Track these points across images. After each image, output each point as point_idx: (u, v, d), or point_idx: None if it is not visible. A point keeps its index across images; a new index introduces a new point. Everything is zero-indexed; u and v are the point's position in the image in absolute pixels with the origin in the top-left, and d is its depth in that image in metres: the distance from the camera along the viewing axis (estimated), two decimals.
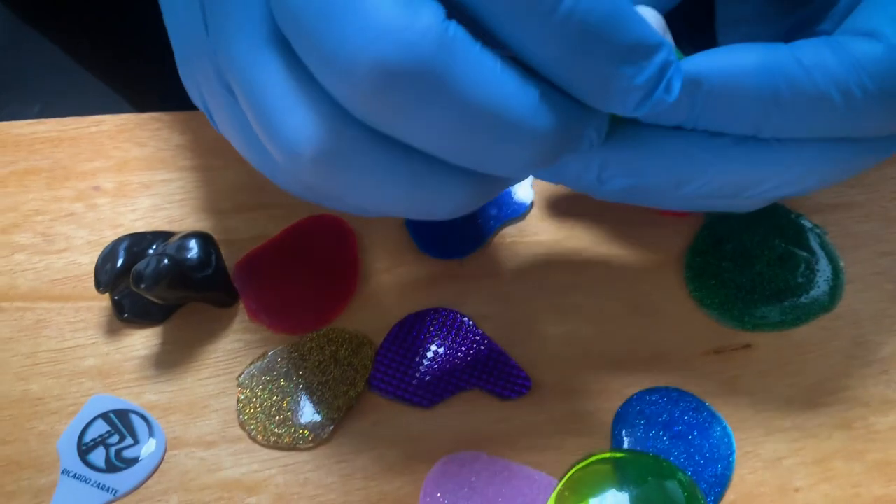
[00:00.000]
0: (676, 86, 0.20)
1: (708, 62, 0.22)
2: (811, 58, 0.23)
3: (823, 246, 0.33)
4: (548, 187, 0.34)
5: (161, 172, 0.34)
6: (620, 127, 0.24)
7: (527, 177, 0.25)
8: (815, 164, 0.25)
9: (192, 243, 0.29)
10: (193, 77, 0.24)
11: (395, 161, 0.20)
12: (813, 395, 0.30)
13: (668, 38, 0.24)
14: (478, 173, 0.21)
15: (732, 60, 0.22)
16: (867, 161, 0.26)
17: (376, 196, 0.21)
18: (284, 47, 0.19)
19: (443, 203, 0.22)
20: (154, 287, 0.28)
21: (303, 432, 0.27)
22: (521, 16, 0.18)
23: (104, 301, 0.30)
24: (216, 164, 0.34)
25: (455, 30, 0.18)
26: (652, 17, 0.24)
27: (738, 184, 0.25)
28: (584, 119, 0.21)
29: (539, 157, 0.20)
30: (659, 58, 0.20)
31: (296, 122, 0.20)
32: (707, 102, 0.23)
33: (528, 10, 0.18)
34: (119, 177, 0.34)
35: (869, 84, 0.22)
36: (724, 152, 0.24)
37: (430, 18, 0.18)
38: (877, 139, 0.25)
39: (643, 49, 0.19)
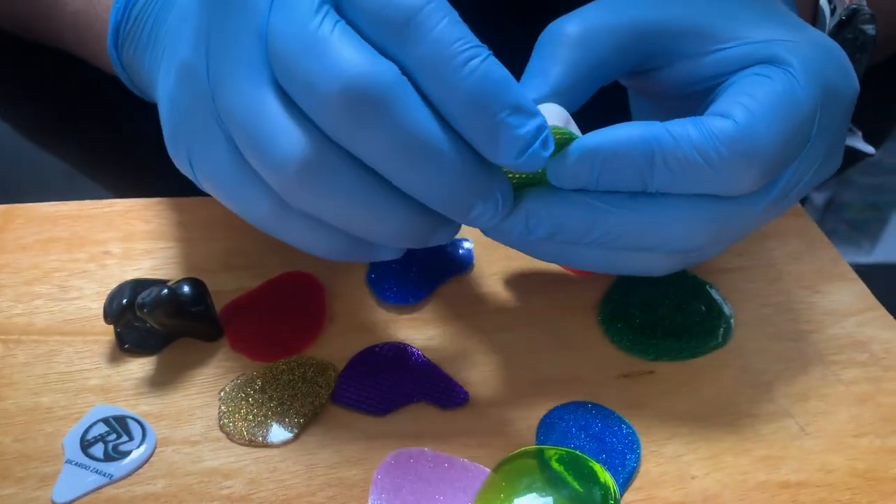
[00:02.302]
0: (551, 145, 0.28)
1: (601, 136, 0.30)
2: (678, 130, 0.30)
3: (715, 297, 0.40)
4: (487, 251, 0.41)
5: (162, 242, 0.40)
6: (540, 188, 0.31)
7: (457, 232, 0.31)
8: (696, 216, 0.32)
9: (187, 284, 0.35)
10: (182, 142, 0.30)
11: (357, 176, 0.27)
12: (707, 409, 0.35)
13: (573, 126, 0.32)
14: (415, 202, 0.28)
15: (619, 134, 0.30)
16: (741, 217, 0.32)
17: (342, 209, 0.28)
18: (275, 83, 0.27)
19: (390, 221, 0.28)
20: (154, 311, 0.33)
21: (274, 432, 0.32)
22: (438, 73, 0.26)
23: (108, 335, 0.36)
24: (207, 236, 0.41)
25: (404, 78, 0.26)
26: (556, 109, 0.32)
27: (636, 233, 0.32)
28: (494, 175, 0.28)
29: (453, 191, 0.28)
30: (537, 119, 0.28)
31: (285, 141, 0.27)
32: (602, 166, 0.30)
33: (443, 68, 0.26)
34: (126, 244, 0.40)
35: (722, 149, 0.30)
36: (620, 203, 0.31)
37: (389, 66, 0.26)
38: (742, 197, 0.32)
39: (525, 110, 0.27)
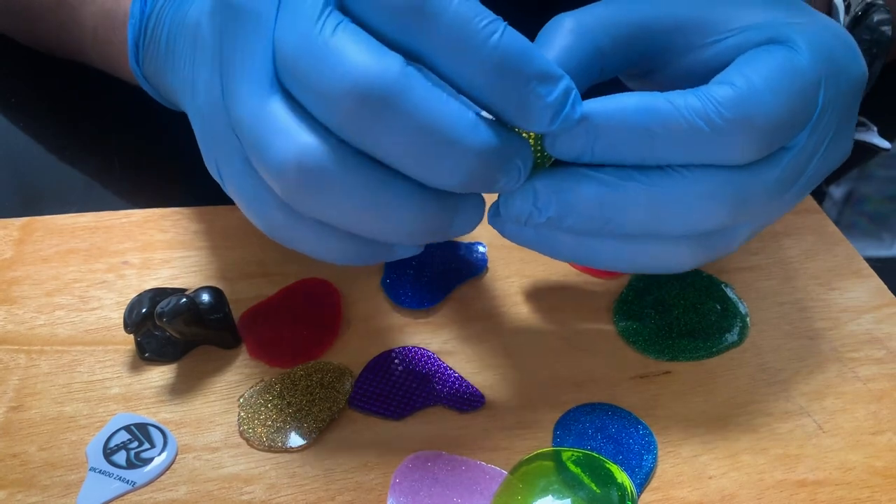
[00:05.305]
0: (578, 108, 0.28)
1: (597, 104, 0.29)
2: (679, 99, 0.30)
3: (730, 295, 0.40)
4: (501, 254, 0.41)
5: (179, 251, 0.41)
6: (545, 169, 0.31)
7: (479, 218, 0.30)
8: (708, 187, 0.30)
9: (205, 292, 0.36)
10: (211, 155, 0.31)
11: (364, 174, 0.27)
12: (724, 409, 0.35)
13: None
14: (429, 190, 0.28)
15: (615, 102, 0.29)
16: (754, 189, 0.31)
17: (349, 209, 0.27)
18: (282, 90, 0.27)
19: (403, 216, 0.28)
20: (173, 321, 0.34)
21: (293, 437, 0.33)
22: (460, 51, 0.26)
23: (129, 345, 0.36)
24: (225, 244, 0.41)
25: (411, 69, 0.26)
26: None
27: (649, 211, 0.30)
28: (511, 142, 0.28)
29: (475, 172, 0.27)
30: (564, 83, 0.27)
31: (282, 145, 0.26)
32: (598, 134, 0.29)
33: (465, 45, 0.26)
34: (144, 254, 0.41)
35: (724, 112, 0.29)
36: (629, 176, 0.30)
37: (393, 61, 0.26)
38: (752, 166, 0.31)
39: (551, 76, 0.27)
